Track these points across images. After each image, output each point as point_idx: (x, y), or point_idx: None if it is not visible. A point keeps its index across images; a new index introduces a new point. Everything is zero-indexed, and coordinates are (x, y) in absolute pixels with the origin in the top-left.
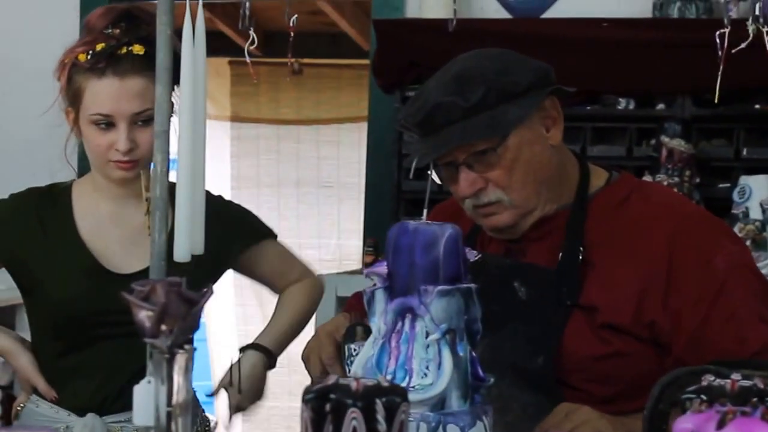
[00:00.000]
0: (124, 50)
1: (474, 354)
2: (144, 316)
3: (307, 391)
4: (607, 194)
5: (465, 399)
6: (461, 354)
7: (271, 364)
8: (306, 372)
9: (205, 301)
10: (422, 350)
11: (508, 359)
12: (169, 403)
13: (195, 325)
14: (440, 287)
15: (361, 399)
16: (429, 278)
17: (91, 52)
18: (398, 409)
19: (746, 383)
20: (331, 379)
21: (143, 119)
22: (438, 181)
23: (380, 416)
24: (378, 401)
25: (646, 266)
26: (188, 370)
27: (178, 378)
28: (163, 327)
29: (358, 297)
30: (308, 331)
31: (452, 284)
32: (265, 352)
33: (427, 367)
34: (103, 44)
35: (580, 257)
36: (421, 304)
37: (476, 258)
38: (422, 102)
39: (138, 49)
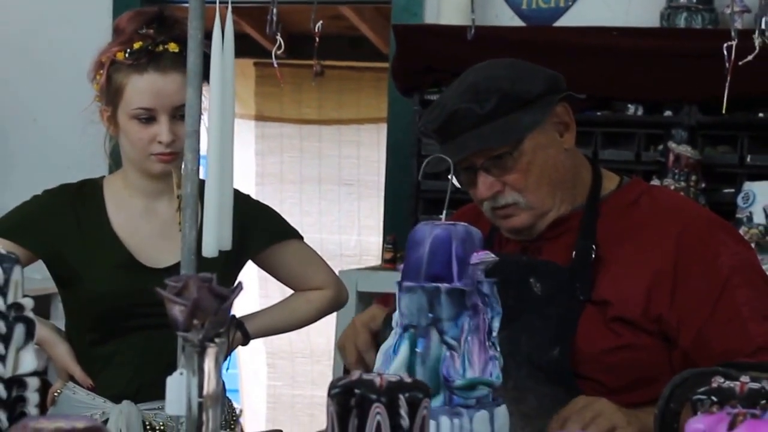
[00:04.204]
0: (161, 48)
1: (450, 354)
2: (177, 310)
3: (332, 386)
4: (619, 196)
5: (431, 397)
6: (419, 350)
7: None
8: (328, 363)
9: (235, 297)
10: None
11: (525, 351)
12: (200, 395)
13: (225, 319)
14: (405, 283)
15: (385, 394)
16: (414, 276)
17: (128, 50)
18: (420, 404)
19: (755, 386)
20: (356, 375)
21: (182, 113)
22: (458, 185)
23: (403, 411)
24: (401, 396)
25: (655, 263)
26: (219, 362)
27: (209, 370)
28: (195, 321)
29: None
30: (327, 322)
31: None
32: (243, 333)
33: None
34: (140, 43)
35: (593, 255)
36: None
37: (484, 260)
38: (440, 110)
39: (173, 47)
